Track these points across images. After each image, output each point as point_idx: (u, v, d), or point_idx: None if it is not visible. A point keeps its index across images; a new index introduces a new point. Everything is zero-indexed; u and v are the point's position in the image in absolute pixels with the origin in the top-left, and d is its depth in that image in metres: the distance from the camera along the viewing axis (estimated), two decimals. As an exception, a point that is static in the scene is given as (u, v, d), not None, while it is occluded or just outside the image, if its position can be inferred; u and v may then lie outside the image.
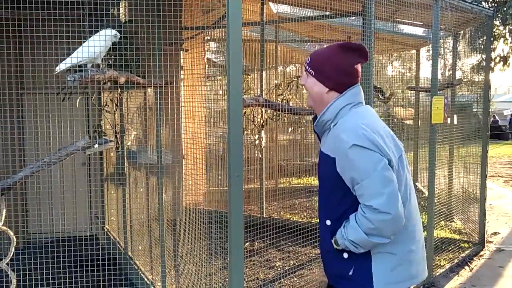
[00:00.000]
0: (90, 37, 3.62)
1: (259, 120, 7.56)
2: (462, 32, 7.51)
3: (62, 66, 3.60)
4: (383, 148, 2.30)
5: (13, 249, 3.71)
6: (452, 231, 7.51)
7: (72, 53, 3.61)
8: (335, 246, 2.45)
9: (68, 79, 3.35)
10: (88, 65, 3.60)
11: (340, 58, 2.46)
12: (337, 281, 2.54)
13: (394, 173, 2.31)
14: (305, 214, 8.48)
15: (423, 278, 2.53)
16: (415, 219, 2.50)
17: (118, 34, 3.71)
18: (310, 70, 2.52)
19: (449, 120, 6.05)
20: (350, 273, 2.43)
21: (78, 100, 5.13)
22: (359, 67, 2.51)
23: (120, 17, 5.63)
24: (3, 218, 3.69)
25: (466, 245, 6.93)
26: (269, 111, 7.50)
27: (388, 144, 2.36)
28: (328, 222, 2.49)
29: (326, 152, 2.45)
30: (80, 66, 3.63)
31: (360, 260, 2.41)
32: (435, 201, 5.99)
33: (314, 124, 2.57)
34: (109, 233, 6.85)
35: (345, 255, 2.44)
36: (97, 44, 3.56)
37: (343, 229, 2.40)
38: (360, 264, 2.41)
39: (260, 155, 8.13)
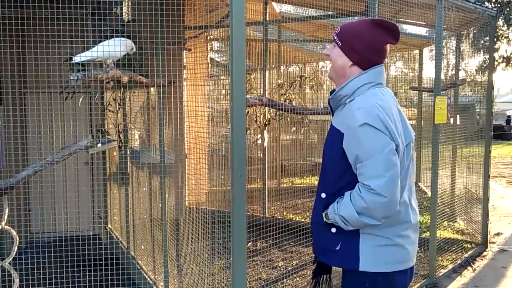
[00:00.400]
0: (93, 36, 3.64)
1: (262, 119, 7.55)
2: (465, 32, 7.50)
3: (78, 58, 3.65)
4: (393, 132, 2.28)
5: (15, 248, 3.71)
6: (455, 232, 7.49)
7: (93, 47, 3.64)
8: (324, 219, 2.44)
9: (71, 78, 3.35)
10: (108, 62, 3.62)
11: (371, 34, 2.41)
12: (324, 253, 2.54)
13: (398, 159, 2.30)
14: (307, 214, 8.47)
15: (410, 265, 2.50)
16: (409, 206, 2.46)
17: (134, 47, 3.76)
18: (338, 41, 2.48)
19: (452, 120, 6.04)
20: (337, 248, 2.43)
21: (81, 100, 5.13)
22: (387, 47, 2.47)
23: (123, 17, 5.63)
24: (6, 217, 3.69)
25: (469, 246, 6.91)
26: (272, 110, 7.49)
27: (399, 130, 2.35)
28: (323, 195, 2.49)
29: (337, 127, 2.42)
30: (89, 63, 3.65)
31: (348, 237, 2.40)
32: (438, 201, 5.98)
33: (330, 97, 2.53)
34: (111, 233, 6.85)
35: (333, 230, 2.44)
36: (117, 47, 3.59)
37: (336, 204, 2.39)
38: (347, 240, 2.41)
39: (262, 155, 8.12)
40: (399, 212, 2.38)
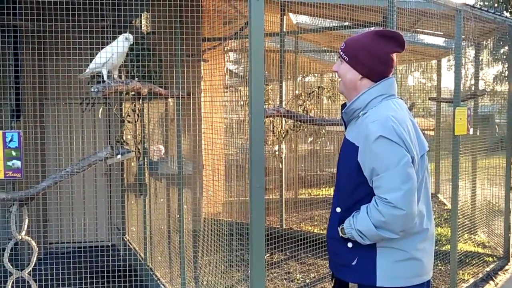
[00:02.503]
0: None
1: (279, 130, 7.55)
2: (484, 42, 7.43)
3: (87, 71, 3.71)
4: (409, 144, 2.27)
5: (34, 259, 3.73)
6: (476, 245, 7.37)
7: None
8: (341, 234, 2.42)
9: (92, 90, 3.39)
10: (104, 71, 3.62)
11: (376, 45, 2.41)
12: (340, 269, 2.51)
13: (414, 171, 2.28)
14: (325, 226, 8.41)
15: (428, 279, 2.47)
16: (426, 218, 2.43)
17: (130, 35, 3.73)
18: (344, 56, 2.48)
19: (471, 131, 5.97)
20: (354, 263, 2.40)
21: (100, 111, 5.18)
22: (394, 56, 2.46)
23: (142, 29, 5.69)
24: (26, 227, 3.72)
25: (491, 259, 6.79)
26: (289, 121, 7.49)
27: (413, 141, 2.33)
28: (338, 210, 2.47)
29: (352, 140, 2.41)
30: (98, 74, 3.68)
31: (364, 251, 2.37)
32: (458, 213, 5.89)
33: (343, 111, 2.52)
34: (129, 244, 6.87)
35: (350, 245, 2.41)
36: (109, 50, 3.60)
37: (352, 218, 2.37)
38: (364, 255, 2.38)
39: (280, 166, 8.10)
40: (415, 224, 2.35)
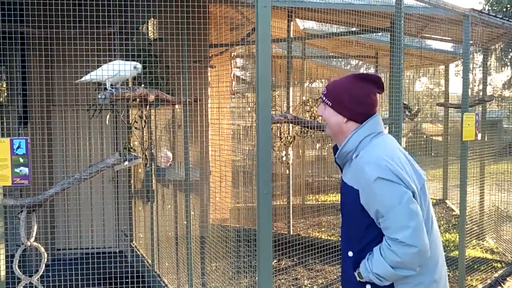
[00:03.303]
0: (120, 55, 3.68)
1: (287, 136, 7.54)
2: (492, 47, 7.40)
3: (87, 77, 3.72)
4: (406, 180, 2.28)
5: (43, 265, 3.74)
6: (484, 251, 7.32)
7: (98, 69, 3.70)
8: (358, 278, 2.42)
9: (99, 97, 3.40)
10: (107, 83, 3.64)
11: (357, 88, 2.45)
12: None
13: (418, 205, 2.29)
14: (332, 232, 8.39)
15: None
16: (436, 247, 2.45)
17: (139, 65, 3.76)
18: (327, 101, 2.51)
19: (479, 136, 5.94)
20: None
21: (108, 117, 5.20)
22: (376, 97, 2.50)
23: (149, 35, 5.71)
24: (35, 234, 3.73)
25: (499, 265, 6.74)
26: (296, 127, 7.48)
27: (410, 176, 2.34)
28: (350, 254, 2.47)
29: (350, 184, 2.43)
30: (100, 84, 3.70)
31: None
32: (467, 219, 5.85)
33: (336, 155, 2.55)
34: (136, 250, 6.87)
35: (368, 287, 2.40)
36: (115, 68, 3.61)
37: (367, 261, 2.37)
38: None
39: (287, 172, 8.09)
40: (430, 258, 2.35)
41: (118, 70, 3.60)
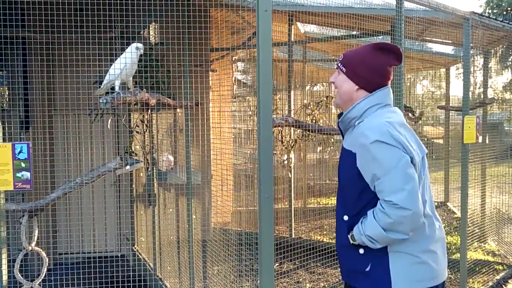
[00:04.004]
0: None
1: (288, 140, 7.54)
2: (493, 50, 7.41)
3: (103, 87, 3.73)
4: (406, 145, 2.29)
5: (45, 270, 3.75)
6: (485, 253, 7.31)
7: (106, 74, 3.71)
8: (351, 241, 2.43)
9: (101, 101, 3.41)
10: (117, 82, 3.65)
11: (373, 58, 2.46)
12: (353, 276, 2.50)
13: (416, 171, 2.30)
14: (334, 235, 8.37)
15: (444, 279, 2.48)
16: (432, 220, 2.45)
17: (140, 45, 3.75)
18: (342, 67, 2.53)
19: (480, 139, 5.94)
20: (367, 269, 2.41)
21: (109, 121, 5.20)
22: (391, 69, 2.51)
23: (150, 39, 5.73)
24: (36, 238, 3.73)
25: (501, 267, 6.73)
26: (297, 131, 7.48)
27: (411, 143, 2.36)
28: (346, 218, 2.48)
29: (348, 148, 2.44)
30: (112, 87, 3.71)
31: (377, 257, 2.38)
32: (468, 222, 5.85)
33: (339, 119, 2.56)
34: (138, 254, 6.87)
35: (361, 251, 2.42)
36: (122, 61, 3.62)
37: (361, 224, 2.38)
38: (377, 261, 2.39)
39: (289, 175, 8.09)
40: (424, 226, 2.37)
41: (122, 61, 3.60)
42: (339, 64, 2.54)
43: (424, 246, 2.39)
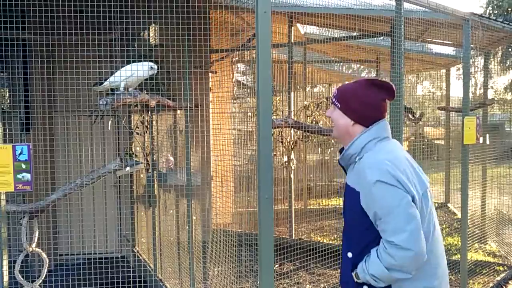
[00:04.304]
0: (121, 61, 3.71)
1: (288, 141, 7.55)
2: (493, 51, 7.41)
3: (106, 85, 3.75)
4: (406, 184, 2.29)
5: (45, 271, 3.76)
6: (486, 254, 7.31)
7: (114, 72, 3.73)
8: (355, 279, 2.44)
9: (101, 103, 3.42)
10: (122, 84, 3.67)
11: (367, 93, 2.49)
12: None
13: (417, 210, 2.30)
14: (335, 236, 8.38)
15: None
16: (437, 254, 2.46)
17: (155, 66, 3.79)
18: (337, 103, 2.56)
19: (481, 139, 5.95)
20: None
21: (109, 123, 5.21)
22: (385, 103, 2.54)
23: (150, 41, 5.74)
24: (36, 240, 3.74)
25: (501, 268, 6.73)
26: (298, 132, 7.49)
27: (412, 181, 2.36)
28: (350, 255, 2.49)
29: (352, 186, 2.46)
30: (112, 89, 3.73)
31: None
32: (468, 223, 5.85)
33: (340, 157, 2.59)
34: (139, 255, 6.88)
35: None
36: (133, 69, 3.65)
37: (364, 263, 2.39)
38: None
39: (290, 176, 8.10)
40: (428, 262, 2.36)
41: (135, 71, 3.63)
42: (334, 100, 2.57)
43: (428, 282, 2.39)
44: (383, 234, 2.31)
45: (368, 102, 2.48)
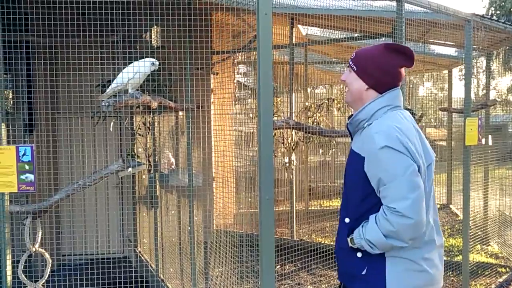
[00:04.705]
0: (123, 63, 3.73)
1: (289, 142, 7.56)
2: (495, 51, 7.41)
3: (110, 91, 3.77)
4: (414, 153, 2.29)
5: (48, 271, 3.78)
6: (488, 255, 7.30)
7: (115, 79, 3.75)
8: (350, 244, 2.43)
9: (103, 104, 3.44)
10: (129, 89, 3.70)
11: (385, 58, 2.46)
12: (349, 279, 2.51)
13: (421, 179, 2.30)
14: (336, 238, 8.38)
15: (439, 287, 2.48)
16: (433, 228, 2.45)
17: (156, 61, 3.81)
18: (353, 66, 2.53)
19: (483, 141, 5.95)
20: (363, 272, 2.41)
21: (112, 124, 5.24)
22: (402, 70, 2.51)
23: (152, 43, 5.76)
24: (39, 240, 3.77)
25: (503, 270, 6.73)
26: (299, 133, 7.50)
27: (419, 151, 2.35)
28: (347, 220, 2.48)
29: (357, 151, 2.43)
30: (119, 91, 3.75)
31: (374, 261, 2.39)
32: (470, 224, 5.85)
33: (349, 121, 2.56)
34: (141, 255, 6.90)
35: (359, 254, 2.42)
36: (135, 70, 3.67)
37: (361, 228, 2.39)
38: (373, 265, 2.39)
39: (291, 177, 8.11)
40: (424, 234, 2.37)
41: (138, 70, 3.65)
42: (351, 62, 2.54)
43: (422, 253, 2.39)
44: (384, 200, 2.30)
45: (385, 68, 2.45)
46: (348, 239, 2.45)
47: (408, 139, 2.30)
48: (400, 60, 2.47)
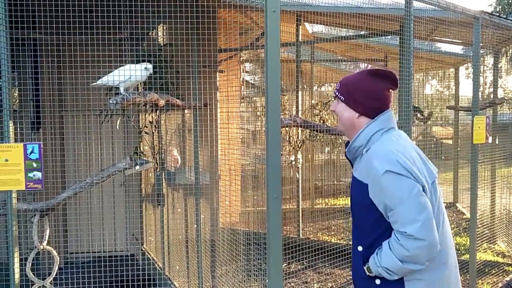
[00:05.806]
0: (130, 61, 3.73)
1: (296, 140, 7.55)
2: (503, 49, 7.36)
3: (99, 82, 3.79)
4: (416, 174, 2.27)
5: (56, 268, 3.79)
6: (495, 254, 7.27)
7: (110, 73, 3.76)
8: (367, 272, 2.42)
9: (110, 102, 3.44)
10: (121, 88, 3.70)
11: (370, 84, 2.47)
12: None
13: (428, 199, 2.28)
14: (342, 236, 8.38)
15: None
16: (447, 245, 2.44)
17: (150, 65, 3.80)
18: (340, 96, 2.54)
19: (490, 139, 5.91)
20: None
21: (118, 122, 5.24)
22: (389, 93, 2.52)
23: (159, 41, 5.76)
24: (47, 238, 3.77)
25: (510, 269, 6.70)
26: (305, 131, 7.49)
27: (421, 170, 2.34)
28: (360, 248, 2.47)
29: (359, 178, 2.44)
30: (116, 87, 3.76)
31: (393, 286, 2.37)
32: (477, 223, 5.82)
33: (346, 149, 2.57)
34: (147, 253, 6.91)
35: (378, 282, 2.41)
36: (126, 72, 3.67)
37: (376, 256, 2.37)
38: None
39: (297, 176, 8.10)
40: (439, 254, 2.35)
41: (129, 75, 3.65)
42: (337, 93, 2.56)
43: (439, 272, 2.38)
44: (394, 225, 2.29)
45: (372, 93, 2.46)
46: (365, 268, 2.44)
47: (408, 160, 2.29)
48: (385, 83, 2.48)
